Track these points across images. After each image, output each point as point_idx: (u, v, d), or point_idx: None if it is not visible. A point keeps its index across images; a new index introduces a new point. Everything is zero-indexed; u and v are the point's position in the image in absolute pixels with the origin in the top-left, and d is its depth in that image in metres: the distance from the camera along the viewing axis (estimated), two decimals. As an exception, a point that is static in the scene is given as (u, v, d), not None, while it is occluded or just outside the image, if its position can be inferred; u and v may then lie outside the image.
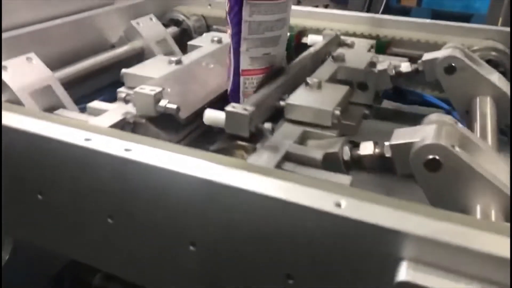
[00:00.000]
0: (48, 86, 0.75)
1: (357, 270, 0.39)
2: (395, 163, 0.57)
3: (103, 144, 0.48)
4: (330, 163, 0.59)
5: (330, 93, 0.72)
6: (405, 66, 0.84)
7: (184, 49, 1.03)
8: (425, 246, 0.35)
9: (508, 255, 0.33)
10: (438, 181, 0.52)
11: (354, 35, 1.03)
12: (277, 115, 0.70)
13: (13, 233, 0.69)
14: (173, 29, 1.12)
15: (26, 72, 0.74)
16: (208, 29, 1.17)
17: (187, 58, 0.85)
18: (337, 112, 0.66)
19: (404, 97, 0.98)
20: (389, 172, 0.59)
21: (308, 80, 0.74)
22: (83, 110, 0.75)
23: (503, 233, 0.35)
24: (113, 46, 1.01)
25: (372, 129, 0.89)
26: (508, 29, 0.95)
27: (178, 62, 0.82)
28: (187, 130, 0.69)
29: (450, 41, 0.94)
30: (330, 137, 0.65)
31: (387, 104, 1.03)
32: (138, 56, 0.98)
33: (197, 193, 0.44)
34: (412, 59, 0.92)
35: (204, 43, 0.95)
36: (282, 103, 0.69)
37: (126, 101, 0.72)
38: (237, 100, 0.73)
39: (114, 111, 0.68)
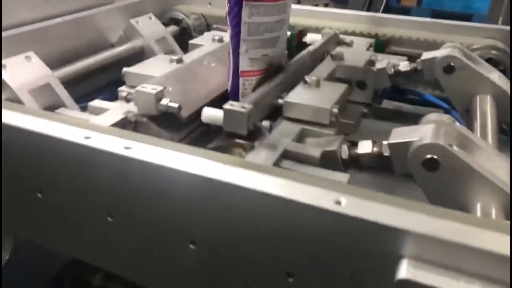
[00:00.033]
0: (47, 84, 0.75)
1: (358, 268, 0.39)
2: (393, 162, 0.57)
3: (103, 142, 0.48)
4: (328, 161, 0.59)
5: (328, 91, 0.72)
6: (404, 65, 0.85)
7: (184, 48, 1.03)
8: (426, 243, 0.35)
9: (508, 253, 0.33)
10: (437, 181, 0.52)
11: (354, 34, 1.03)
12: (275, 113, 0.70)
13: (13, 232, 0.69)
14: (172, 28, 1.12)
15: (25, 70, 0.74)
16: (208, 28, 1.17)
17: (188, 57, 0.85)
18: (335, 110, 0.66)
19: (403, 95, 0.98)
20: (387, 171, 0.59)
21: (307, 78, 0.74)
22: (84, 109, 0.75)
23: (503, 231, 0.35)
24: (112, 46, 1.01)
25: (372, 129, 0.89)
26: (508, 27, 0.95)
27: (179, 61, 0.82)
28: (188, 129, 0.69)
29: (449, 40, 0.94)
30: (328, 135, 0.65)
31: (387, 104, 1.03)
32: (138, 55, 0.98)
33: (197, 191, 0.44)
34: (411, 58, 0.92)
35: (205, 42, 0.95)
36: (280, 101, 0.69)
37: (127, 100, 0.72)
38: (237, 101, 0.72)
39: (115, 110, 0.68)
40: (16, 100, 0.69)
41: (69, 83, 0.81)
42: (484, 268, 0.34)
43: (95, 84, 0.94)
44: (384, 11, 2.29)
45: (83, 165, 0.49)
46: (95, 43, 0.97)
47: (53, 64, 0.80)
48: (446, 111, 0.87)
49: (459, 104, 0.80)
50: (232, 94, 0.73)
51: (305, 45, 0.98)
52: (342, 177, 0.54)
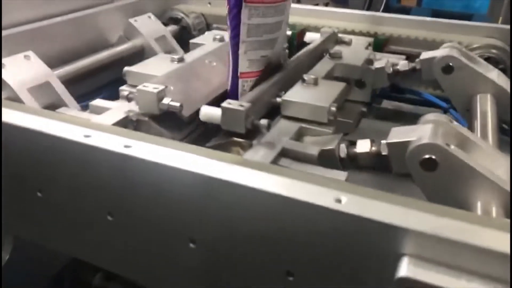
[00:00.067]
0: (46, 83, 0.75)
1: (358, 266, 0.39)
2: (391, 161, 0.57)
3: (102, 141, 0.48)
4: (326, 160, 0.59)
5: (326, 90, 0.72)
6: (403, 65, 0.85)
7: (185, 48, 1.03)
8: (426, 242, 0.35)
9: (508, 251, 0.33)
10: (435, 180, 0.52)
11: (354, 33, 1.03)
12: (274, 111, 0.70)
13: (13, 232, 0.69)
14: (172, 28, 1.12)
15: (24, 69, 0.74)
16: (208, 27, 1.16)
17: (190, 56, 0.85)
18: (333, 109, 0.66)
19: (401, 94, 0.97)
20: (386, 171, 0.59)
21: (305, 77, 0.74)
22: (85, 108, 0.75)
23: (503, 229, 0.35)
24: (112, 46, 1.00)
25: (372, 129, 0.89)
26: (508, 26, 0.94)
27: (181, 60, 0.81)
28: (190, 128, 0.69)
29: (449, 39, 0.94)
30: (326, 134, 0.65)
31: (387, 104, 1.03)
32: (138, 54, 0.98)
33: (197, 190, 0.44)
34: (410, 57, 0.92)
35: (206, 41, 0.95)
36: (278, 99, 0.69)
37: (128, 99, 0.71)
38: None
39: (116, 109, 0.68)
40: (15, 99, 0.69)
41: (68, 82, 0.80)
42: (484, 266, 0.34)
43: (95, 83, 0.94)
44: (384, 11, 2.29)
45: (83, 164, 0.49)
46: (94, 42, 0.97)
47: (53, 63, 0.80)
48: (445, 110, 0.87)
49: (459, 104, 0.80)
50: (232, 95, 0.73)
51: (306, 44, 0.98)
52: (340, 175, 0.55)
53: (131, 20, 0.99)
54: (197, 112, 0.66)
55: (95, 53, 0.93)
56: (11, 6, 0.84)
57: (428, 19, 1.01)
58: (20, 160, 0.54)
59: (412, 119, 0.62)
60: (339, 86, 0.74)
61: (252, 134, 0.63)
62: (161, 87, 0.65)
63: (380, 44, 1.00)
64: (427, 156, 0.51)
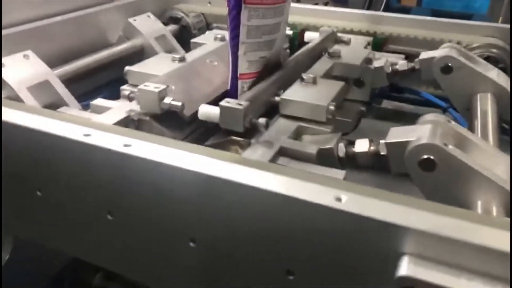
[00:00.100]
0: (46, 82, 0.75)
1: (358, 265, 0.39)
2: (390, 161, 0.57)
3: (102, 140, 0.48)
4: (325, 159, 0.59)
5: (325, 89, 0.72)
6: (402, 65, 0.85)
7: (184, 47, 1.03)
8: (426, 240, 0.35)
9: (509, 249, 0.33)
10: (434, 180, 0.52)
11: (353, 32, 1.03)
12: (272, 110, 0.70)
13: (13, 231, 0.68)
14: (172, 27, 1.12)
15: (23, 68, 0.74)
16: (208, 27, 1.16)
17: (191, 56, 0.85)
18: (332, 107, 0.66)
19: (400, 93, 0.97)
20: (384, 170, 0.59)
21: (304, 75, 0.74)
22: (85, 107, 0.75)
23: (503, 227, 0.35)
24: (112, 45, 1.00)
25: (372, 129, 0.89)
26: (508, 26, 0.94)
27: (182, 59, 0.81)
28: (191, 127, 0.69)
29: (448, 39, 0.94)
30: (324, 133, 0.65)
31: (387, 104, 1.03)
32: (138, 54, 0.98)
33: (197, 189, 0.44)
34: (409, 56, 0.92)
35: (208, 41, 0.95)
36: (277, 98, 0.69)
37: (130, 98, 0.71)
38: None
39: (117, 109, 0.68)
40: (15, 98, 0.69)
41: (68, 81, 0.80)
42: (484, 264, 0.34)
43: (94, 83, 0.94)
44: (384, 11, 2.29)
45: (82, 163, 0.49)
46: (94, 42, 0.97)
47: (53, 62, 0.80)
48: (444, 110, 0.87)
49: (459, 104, 0.80)
50: (232, 95, 0.73)
51: (306, 44, 0.98)
52: (339, 173, 0.55)
53: (131, 20, 0.99)
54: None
55: (95, 53, 0.93)
56: (11, 6, 0.84)
57: (428, 19, 1.01)
58: (19, 159, 0.54)
59: (412, 119, 0.62)
60: (338, 85, 0.75)
61: (250, 133, 0.63)
62: (163, 86, 0.65)
63: (379, 43, 1.00)
64: (425, 157, 0.52)
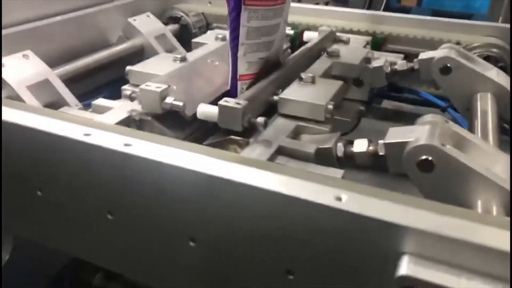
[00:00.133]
0: (45, 80, 0.75)
1: (358, 265, 0.39)
2: (388, 161, 0.57)
3: (102, 139, 0.48)
4: (323, 158, 0.59)
5: (323, 88, 0.72)
6: (401, 65, 0.85)
7: (185, 46, 1.03)
8: (426, 240, 0.35)
9: (509, 249, 0.33)
10: (432, 181, 0.52)
11: (353, 32, 1.03)
12: (271, 110, 0.70)
13: (13, 231, 0.68)
14: (172, 27, 1.12)
15: (23, 68, 0.74)
16: (208, 26, 1.16)
17: (192, 56, 0.85)
18: (330, 107, 0.66)
19: (399, 93, 0.97)
20: (383, 170, 0.59)
21: (302, 75, 0.74)
22: (86, 106, 0.75)
23: (503, 227, 0.35)
24: (112, 45, 1.00)
25: (372, 129, 0.89)
26: (508, 25, 0.95)
27: (183, 59, 0.81)
28: (193, 127, 0.69)
29: (448, 38, 0.95)
30: (323, 132, 0.65)
31: (387, 104, 1.03)
32: (138, 54, 0.98)
33: (197, 188, 0.44)
34: (409, 56, 0.92)
35: (209, 41, 0.95)
36: (275, 97, 0.69)
37: (131, 98, 0.71)
38: None
39: (119, 109, 0.68)
40: (15, 98, 0.69)
41: (68, 81, 0.80)
42: (484, 264, 0.34)
43: (95, 82, 0.93)
44: (384, 11, 2.29)
45: (83, 163, 0.49)
46: (94, 42, 0.97)
47: (52, 62, 0.80)
48: (443, 109, 0.87)
49: (459, 104, 0.80)
50: (232, 96, 0.73)
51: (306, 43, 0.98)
52: (337, 173, 0.55)
53: (130, 20, 0.99)
54: (199, 111, 0.66)
55: (95, 53, 0.93)
56: (11, 6, 0.84)
57: (427, 18, 1.01)
58: (20, 159, 0.54)
59: (412, 119, 0.62)
60: (336, 84, 0.75)
61: (249, 132, 0.63)
62: (164, 86, 0.65)
63: (378, 43, 1.00)
64: (423, 157, 0.52)
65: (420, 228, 0.35)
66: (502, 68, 0.84)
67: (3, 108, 0.54)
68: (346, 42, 0.98)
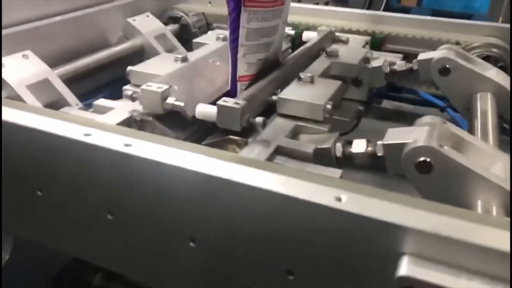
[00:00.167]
0: (45, 80, 0.75)
1: (358, 265, 0.39)
2: (386, 162, 0.57)
3: (102, 139, 0.48)
4: (322, 158, 0.59)
5: (322, 88, 0.72)
6: (400, 65, 0.85)
7: (185, 46, 1.03)
8: (426, 240, 0.35)
9: (509, 249, 0.33)
10: (431, 183, 0.52)
11: (352, 32, 1.03)
12: (270, 109, 0.70)
13: (13, 231, 0.68)
14: (172, 27, 1.12)
15: (23, 67, 0.74)
16: (208, 26, 1.16)
17: (193, 56, 0.84)
18: (329, 107, 0.66)
19: (398, 93, 0.97)
20: (382, 170, 0.59)
21: (301, 75, 0.74)
22: (87, 106, 0.75)
23: (503, 227, 0.35)
24: (112, 45, 1.00)
25: (372, 129, 0.89)
26: (508, 25, 0.95)
27: (184, 59, 0.81)
28: (194, 127, 0.68)
29: (447, 38, 0.95)
30: (322, 132, 0.65)
31: (387, 104, 1.03)
32: (138, 54, 0.98)
33: (197, 188, 0.44)
34: (408, 56, 0.92)
35: (210, 41, 0.94)
36: (274, 97, 0.69)
37: (132, 98, 0.71)
38: None
39: (120, 109, 0.68)
40: (16, 98, 0.69)
41: (68, 81, 0.80)
42: (484, 264, 0.34)
43: (95, 82, 0.94)
44: (384, 11, 2.29)
45: (83, 163, 0.49)
46: (94, 42, 0.97)
47: (52, 62, 0.80)
48: (442, 109, 0.87)
49: (459, 104, 0.80)
50: (232, 97, 0.73)
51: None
52: (335, 173, 0.55)
53: (130, 20, 0.99)
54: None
55: (95, 53, 0.93)
56: (11, 5, 0.84)
57: (427, 18, 1.02)
58: (20, 159, 0.54)
59: (411, 119, 0.62)
60: (335, 84, 0.75)
61: (248, 132, 0.63)
62: (165, 86, 0.65)
63: (377, 42, 1.00)
64: (422, 159, 0.52)
65: (420, 229, 0.35)
66: (502, 68, 0.84)
67: (3, 108, 0.54)
68: (345, 42, 0.98)
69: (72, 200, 0.52)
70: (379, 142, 0.57)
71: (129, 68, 0.77)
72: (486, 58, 0.89)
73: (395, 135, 0.57)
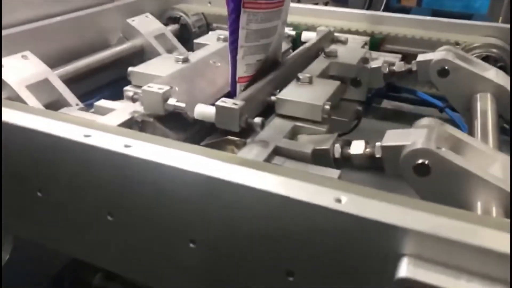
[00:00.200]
0: (45, 80, 0.75)
1: (358, 266, 0.39)
2: (385, 164, 0.57)
3: (102, 141, 0.48)
4: (320, 159, 0.59)
5: (321, 88, 0.72)
6: (399, 66, 0.85)
7: (185, 45, 1.03)
8: (426, 242, 0.35)
9: (508, 251, 0.33)
10: (430, 185, 0.52)
11: (352, 32, 1.03)
12: (269, 110, 0.70)
13: (13, 232, 0.69)
14: (172, 27, 1.12)
15: (22, 68, 0.74)
16: (208, 26, 1.16)
17: (194, 57, 0.84)
18: (327, 107, 0.66)
19: (397, 93, 0.97)
20: (380, 171, 0.59)
21: (300, 75, 0.74)
22: (87, 106, 0.75)
23: (503, 229, 0.35)
24: (112, 46, 1.00)
25: (372, 129, 0.89)
26: (508, 25, 0.95)
27: (185, 60, 0.81)
28: (195, 128, 0.68)
29: (446, 39, 0.95)
30: (320, 132, 0.65)
31: (387, 104, 1.03)
32: (138, 54, 0.98)
33: (197, 189, 0.44)
34: (407, 56, 0.92)
35: (210, 41, 0.95)
36: (273, 98, 0.69)
37: (133, 99, 0.71)
38: None
39: (121, 110, 0.67)
40: (16, 98, 0.70)
41: (68, 82, 0.80)
42: (484, 266, 0.34)
43: (95, 83, 0.94)
44: (384, 11, 2.29)
45: (83, 164, 0.49)
46: (94, 42, 0.97)
47: (52, 63, 0.80)
48: (441, 110, 0.87)
49: (459, 104, 0.80)
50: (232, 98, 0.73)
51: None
52: (333, 173, 0.55)
53: (129, 21, 0.99)
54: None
55: (95, 53, 0.93)
56: (10, 6, 0.84)
57: (427, 18, 1.02)
58: (20, 159, 0.54)
59: (412, 118, 0.62)
60: (334, 84, 0.75)
61: (246, 132, 0.63)
62: (166, 87, 0.64)
63: (376, 43, 1.00)
64: (420, 161, 0.51)
65: (420, 230, 0.35)
66: (502, 68, 0.84)
67: (3, 109, 0.54)
68: (344, 42, 0.98)
69: (72, 201, 0.52)
70: (378, 144, 0.57)
71: (130, 69, 0.77)
72: (486, 58, 0.89)
73: (394, 137, 0.57)
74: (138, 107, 0.67)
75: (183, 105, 0.63)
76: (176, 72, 0.75)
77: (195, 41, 0.97)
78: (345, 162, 0.60)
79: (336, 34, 1.00)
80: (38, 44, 0.82)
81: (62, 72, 0.82)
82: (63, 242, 0.57)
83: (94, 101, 0.73)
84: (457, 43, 0.94)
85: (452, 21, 0.99)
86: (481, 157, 0.54)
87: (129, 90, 0.74)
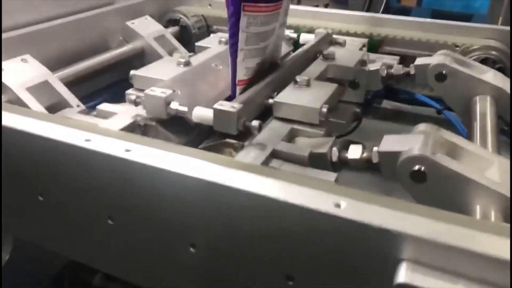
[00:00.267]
0: (45, 82, 0.75)
1: (357, 271, 0.39)
2: (382, 169, 0.57)
3: (103, 145, 0.48)
4: (317, 162, 0.59)
5: (318, 91, 0.72)
6: (397, 69, 0.85)
7: (185, 47, 1.03)
8: (425, 247, 0.35)
9: (508, 256, 0.33)
10: (427, 191, 0.52)
11: (350, 34, 1.03)
12: (267, 112, 0.70)
13: (15, 235, 0.69)
14: (172, 29, 1.12)
15: (22, 71, 0.74)
16: (209, 29, 1.16)
17: (196, 60, 0.84)
18: (324, 110, 0.66)
19: (395, 95, 0.97)
20: (377, 171, 0.59)
21: (297, 78, 0.74)
22: (89, 109, 0.75)
23: (502, 234, 0.35)
24: (112, 48, 1.00)
25: (372, 129, 0.89)
26: (507, 28, 0.95)
27: (187, 63, 0.81)
28: (197, 132, 0.68)
29: (444, 40, 0.95)
30: (318, 135, 0.65)
31: (387, 104, 1.03)
32: (138, 56, 0.98)
33: (197, 194, 0.44)
34: (405, 58, 0.92)
35: (212, 44, 0.94)
36: (271, 101, 0.69)
37: (136, 103, 0.71)
38: None
39: (124, 114, 0.67)
40: (16, 101, 0.70)
41: (69, 84, 0.81)
42: (483, 272, 0.34)
43: (95, 85, 0.94)
44: (384, 12, 2.28)
45: (83, 168, 0.49)
46: (94, 44, 0.97)
47: (52, 66, 0.80)
48: (439, 112, 0.87)
49: (457, 107, 0.80)
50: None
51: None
52: (330, 176, 0.55)
53: (128, 23, 0.99)
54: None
55: (95, 56, 0.93)
56: (10, 9, 0.84)
57: (426, 21, 1.02)
58: (21, 163, 0.54)
59: (411, 119, 0.62)
60: (331, 87, 0.74)
61: (244, 135, 0.63)
62: (169, 91, 0.64)
63: (374, 45, 1.00)
64: (416, 168, 0.51)
65: (419, 235, 0.35)
66: (500, 70, 0.84)
67: (3, 113, 0.54)
68: (342, 44, 0.97)
69: (73, 205, 0.52)
70: (375, 149, 0.57)
71: (132, 72, 0.77)
72: (484, 60, 0.89)
73: (391, 142, 0.57)
74: (140, 111, 0.67)
75: (185, 109, 0.64)
76: (178, 75, 0.75)
77: (197, 44, 0.96)
78: (342, 166, 0.61)
79: (334, 36, 1.00)
80: (38, 47, 0.83)
81: (62, 74, 0.82)
82: (64, 246, 0.57)
83: (94, 103, 0.73)
84: (455, 45, 0.94)
85: (451, 23, 0.99)
86: (478, 161, 0.54)
87: (131, 93, 0.73)
